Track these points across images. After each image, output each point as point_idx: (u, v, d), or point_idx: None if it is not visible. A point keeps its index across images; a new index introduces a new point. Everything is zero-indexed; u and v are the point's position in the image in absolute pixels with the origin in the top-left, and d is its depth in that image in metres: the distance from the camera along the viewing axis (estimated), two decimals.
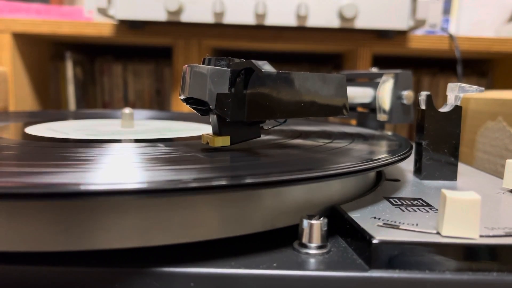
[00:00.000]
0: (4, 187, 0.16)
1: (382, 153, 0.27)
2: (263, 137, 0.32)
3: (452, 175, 0.31)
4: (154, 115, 0.52)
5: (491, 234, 0.20)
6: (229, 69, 0.23)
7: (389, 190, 0.28)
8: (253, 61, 0.23)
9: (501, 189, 0.29)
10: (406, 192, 0.27)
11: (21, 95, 0.72)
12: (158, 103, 0.87)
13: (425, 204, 0.25)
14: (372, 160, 0.24)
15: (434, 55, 0.78)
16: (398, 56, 0.81)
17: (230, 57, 0.24)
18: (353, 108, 0.48)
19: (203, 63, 0.24)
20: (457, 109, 0.30)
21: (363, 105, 0.46)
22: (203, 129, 0.38)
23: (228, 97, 0.23)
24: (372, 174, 0.31)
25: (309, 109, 0.25)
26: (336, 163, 0.23)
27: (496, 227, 0.21)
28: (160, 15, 0.61)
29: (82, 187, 0.16)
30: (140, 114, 0.52)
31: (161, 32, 0.68)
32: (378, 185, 0.29)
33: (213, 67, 0.23)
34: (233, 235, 0.21)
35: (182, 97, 0.25)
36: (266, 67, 0.22)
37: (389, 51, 0.72)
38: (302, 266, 0.19)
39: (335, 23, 0.61)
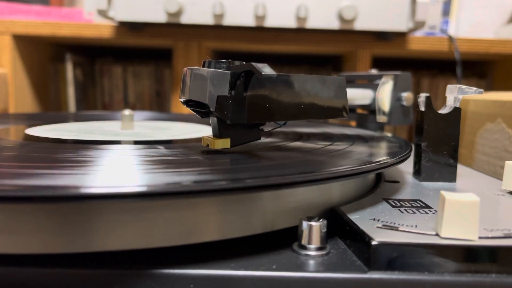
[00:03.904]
0: (4, 190, 0.16)
1: (381, 155, 0.27)
2: (263, 139, 0.32)
3: (451, 177, 0.31)
4: (154, 117, 0.52)
5: (490, 235, 0.20)
6: (229, 72, 0.23)
7: (388, 191, 0.28)
8: (253, 63, 0.23)
9: (500, 191, 0.29)
10: (405, 193, 0.27)
11: (21, 96, 0.72)
12: (158, 104, 0.87)
13: (424, 205, 0.25)
14: (371, 162, 0.24)
15: (434, 56, 0.78)
16: (397, 58, 0.81)
17: (230, 60, 0.24)
18: (352, 109, 0.48)
19: (203, 66, 0.25)
20: (456, 111, 0.30)
21: (363, 106, 0.46)
22: (203, 131, 0.39)
23: (228, 100, 0.23)
24: (372, 175, 0.31)
25: (309, 111, 0.26)
26: (336, 166, 0.23)
27: (495, 228, 0.21)
28: (160, 17, 0.61)
29: (82, 190, 0.16)
30: (140, 115, 0.52)
31: (161, 33, 0.68)
32: (377, 186, 0.29)
33: (213, 69, 0.24)
34: (232, 237, 0.21)
35: (182, 100, 0.25)
36: (266, 69, 0.22)
37: (389, 52, 0.72)
38: (301, 267, 0.19)
39: (334, 24, 0.61)
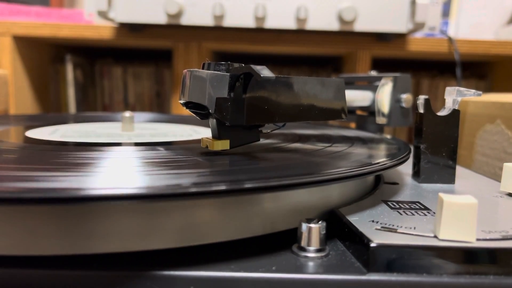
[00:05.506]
0: (4, 191, 0.17)
1: (380, 157, 0.28)
2: (262, 141, 0.32)
3: (450, 178, 0.31)
4: (154, 118, 0.52)
5: (488, 237, 0.20)
6: (228, 74, 0.23)
7: (387, 193, 0.28)
8: (252, 66, 0.23)
9: (499, 193, 0.29)
10: (404, 195, 0.27)
11: (21, 98, 0.72)
12: (158, 105, 0.87)
13: (423, 207, 0.25)
14: (370, 164, 0.25)
15: (433, 58, 0.78)
16: (397, 59, 0.81)
17: (229, 62, 0.24)
18: (352, 111, 0.48)
19: (203, 68, 0.25)
20: (455, 113, 0.30)
21: (362, 108, 0.46)
22: (203, 133, 0.39)
23: (228, 102, 0.23)
24: (371, 177, 0.31)
25: (308, 113, 0.26)
26: (335, 167, 0.23)
27: (493, 230, 0.21)
28: (160, 18, 0.61)
29: (83, 192, 0.17)
30: (140, 116, 0.52)
31: (161, 35, 0.68)
32: (376, 188, 0.29)
33: (212, 71, 0.24)
34: (232, 239, 0.21)
35: (182, 101, 0.26)
36: (265, 72, 0.22)
37: (389, 54, 0.72)
38: (300, 269, 0.19)
39: (334, 26, 0.61)
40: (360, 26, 0.61)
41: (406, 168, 0.34)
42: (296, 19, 0.61)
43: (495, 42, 0.70)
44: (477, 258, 0.19)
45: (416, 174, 0.32)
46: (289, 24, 0.61)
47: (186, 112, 0.26)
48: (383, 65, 0.81)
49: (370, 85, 0.45)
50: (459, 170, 0.35)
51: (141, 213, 0.19)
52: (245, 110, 0.23)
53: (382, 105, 0.43)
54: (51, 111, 0.84)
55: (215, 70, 0.24)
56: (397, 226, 0.21)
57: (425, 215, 0.23)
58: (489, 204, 0.26)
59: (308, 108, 0.26)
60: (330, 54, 0.78)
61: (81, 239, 0.19)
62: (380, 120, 0.43)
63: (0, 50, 0.68)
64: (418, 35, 0.72)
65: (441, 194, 0.20)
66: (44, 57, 0.81)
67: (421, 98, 0.31)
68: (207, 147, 0.25)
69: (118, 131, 0.39)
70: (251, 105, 0.24)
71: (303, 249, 0.20)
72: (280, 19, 0.61)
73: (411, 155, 0.32)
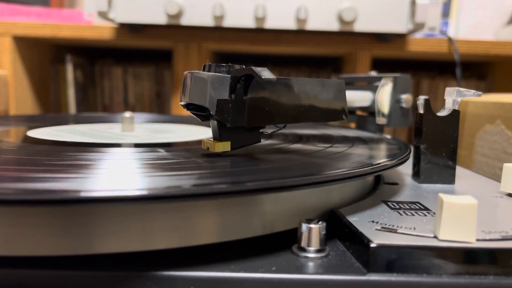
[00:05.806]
0: (5, 193, 0.17)
1: (380, 158, 0.28)
2: (263, 142, 0.32)
3: (450, 179, 0.31)
4: (154, 118, 0.52)
5: (487, 238, 0.20)
6: (229, 76, 0.23)
7: (387, 193, 0.28)
8: (253, 67, 0.23)
9: (499, 193, 0.29)
10: (404, 195, 0.28)
11: (21, 98, 0.72)
12: (158, 105, 0.87)
13: (423, 208, 0.25)
14: (370, 165, 0.25)
15: (433, 58, 0.78)
16: (397, 59, 0.81)
17: (230, 64, 0.24)
18: (352, 111, 0.48)
19: (204, 70, 0.25)
20: (455, 113, 0.30)
21: (362, 108, 0.46)
22: (204, 133, 0.39)
23: (229, 103, 0.23)
24: (371, 178, 0.31)
25: (308, 114, 0.26)
26: (336, 168, 0.23)
27: (493, 230, 0.21)
28: (160, 19, 0.61)
29: (83, 194, 0.17)
30: (141, 117, 0.52)
31: (161, 35, 0.69)
32: (376, 188, 0.29)
33: (213, 73, 0.24)
34: (232, 239, 0.21)
35: (182, 103, 0.26)
36: (266, 73, 0.22)
37: (389, 54, 0.72)
38: (300, 269, 0.19)
39: (334, 26, 0.61)
40: (360, 26, 0.61)
41: (406, 168, 0.34)
42: (296, 19, 0.61)
43: (495, 42, 0.70)
44: (477, 259, 0.19)
45: (416, 174, 0.32)
46: (289, 24, 0.61)
47: (186, 113, 0.26)
48: (383, 65, 0.81)
49: (370, 85, 0.45)
50: (459, 170, 0.36)
51: (142, 214, 0.19)
52: (246, 111, 0.24)
53: (382, 105, 0.43)
54: (51, 111, 0.84)
55: (216, 72, 0.24)
56: (397, 227, 0.21)
57: (425, 215, 0.23)
58: (489, 204, 0.26)
59: (308, 109, 0.26)
60: (330, 54, 0.78)
61: (81, 239, 0.19)
62: (380, 120, 0.43)
63: (0, 51, 0.69)
64: (418, 35, 0.72)
65: (441, 195, 0.20)
66: (44, 58, 0.81)
67: (421, 99, 0.31)
68: (208, 148, 0.25)
69: (118, 131, 0.39)
70: (252, 107, 0.24)
71: (303, 250, 0.20)
72: (280, 19, 0.61)
73: (411, 155, 0.32)
